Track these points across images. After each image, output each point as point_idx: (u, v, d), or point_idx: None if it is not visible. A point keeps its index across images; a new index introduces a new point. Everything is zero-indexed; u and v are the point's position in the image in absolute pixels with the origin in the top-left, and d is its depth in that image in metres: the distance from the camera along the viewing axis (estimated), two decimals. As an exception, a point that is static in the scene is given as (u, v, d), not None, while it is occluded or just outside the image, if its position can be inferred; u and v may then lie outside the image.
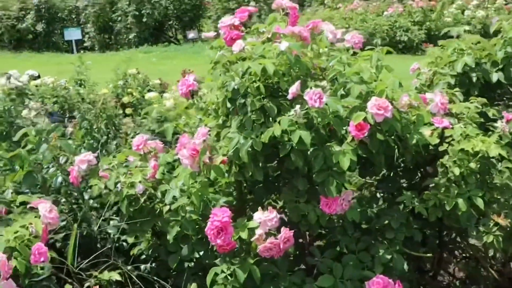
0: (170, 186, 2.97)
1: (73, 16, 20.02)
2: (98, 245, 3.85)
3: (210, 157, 2.80)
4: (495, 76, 3.39)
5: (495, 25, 3.54)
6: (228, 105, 2.86)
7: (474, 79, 3.34)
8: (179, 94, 3.17)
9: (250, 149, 2.68)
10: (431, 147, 3.03)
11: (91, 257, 3.25)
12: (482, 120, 3.11)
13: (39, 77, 8.44)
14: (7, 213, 3.08)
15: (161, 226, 3.07)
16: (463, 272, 3.87)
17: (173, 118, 3.22)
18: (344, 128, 2.68)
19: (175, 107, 4.22)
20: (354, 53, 3.06)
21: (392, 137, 2.80)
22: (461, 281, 3.90)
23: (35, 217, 2.65)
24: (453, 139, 2.97)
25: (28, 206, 2.77)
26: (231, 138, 2.72)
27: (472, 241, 3.30)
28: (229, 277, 2.73)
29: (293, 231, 2.71)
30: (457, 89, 3.27)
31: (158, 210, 3.08)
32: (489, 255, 3.26)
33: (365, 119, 2.63)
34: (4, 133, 3.53)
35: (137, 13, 18.62)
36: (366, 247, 2.98)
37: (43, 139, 3.09)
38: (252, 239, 2.67)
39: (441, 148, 2.96)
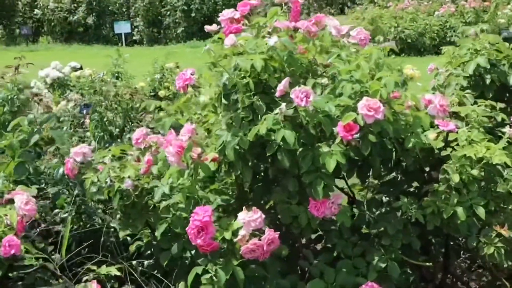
0: (161, 183, 2.91)
1: (123, 10, 20.32)
2: (102, 239, 3.85)
3: (199, 154, 2.73)
4: (512, 79, 3.22)
5: None
6: (224, 101, 2.79)
7: (488, 81, 3.17)
8: (177, 88, 3.11)
9: (238, 147, 2.60)
10: (436, 151, 2.89)
11: (82, 249, 3.23)
12: (491, 125, 2.94)
13: (81, 68, 8.54)
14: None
15: (153, 222, 3.01)
16: (476, 283, 3.70)
17: (172, 113, 3.15)
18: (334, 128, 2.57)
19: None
20: (358, 51, 2.94)
21: (390, 139, 2.68)
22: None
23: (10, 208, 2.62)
24: (457, 144, 2.82)
25: (5, 198, 2.75)
26: (218, 135, 2.64)
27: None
28: (214, 278, 2.66)
29: (278, 233, 2.62)
30: (468, 91, 3.11)
31: (152, 206, 3.04)
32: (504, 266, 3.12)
33: (355, 120, 2.51)
34: (7, 123, 3.54)
35: (186, 7, 18.75)
36: (362, 252, 2.86)
37: (35, 129, 3.06)
38: (235, 240, 2.59)
39: (443, 153, 2.81)
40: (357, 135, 2.55)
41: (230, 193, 3.21)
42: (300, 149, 2.59)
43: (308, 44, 2.91)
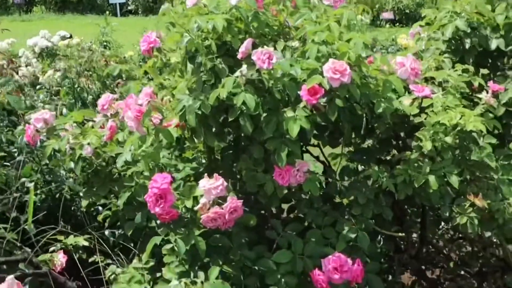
0: (124, 150, 2.80)
1: (118, -21, 20.02)
2: (73, 209, 3.76)
3: (161, 119, 2.62)
4: (494, 43, 3.06)
5: None
6: (189, 64, 2.67)
7: (468, 46, 3.03)
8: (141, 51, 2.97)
9: (199, 112, 2.49)
10: (411, 118, 2.77)
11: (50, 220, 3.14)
12: (468, 91, 2.82)
13: (71, 37, 8.37)
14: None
15: (117, 191, 2.91)
16: (454, 254, 3.61)
17: (138, 78, 3.03)
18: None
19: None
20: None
21: (360, 104, 2.56)
22: (454, 263, 3.65)
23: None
24: (432, 110, 2.70)
25: None
26: (179, 99, 2.52)
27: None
28: (176, 248, 2.57)
29: (241, 201, 2.51)
30: (446, 55, 2.98)
31: (117, 174, 2.93)
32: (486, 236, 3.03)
33: (321, 84, 2.39)
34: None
35: (181, -24, 18.45)
36: (333, 222, 2.76)
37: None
38: (195, 208, 2.49)
39: (417, 120, 2.70)
40: (324, 100, 2.43)
41: (204, 161, 3.11)
42: (264, 115, 2.47)
43: (279, 5, 2.78)
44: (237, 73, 2.38)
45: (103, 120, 3.08)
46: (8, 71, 4.78)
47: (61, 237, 3.13)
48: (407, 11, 15.27)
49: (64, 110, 3.77)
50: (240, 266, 2.63)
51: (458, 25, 2.98)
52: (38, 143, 3.15)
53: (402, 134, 2.98)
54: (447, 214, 2.64)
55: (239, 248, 2.65)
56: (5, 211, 3.25)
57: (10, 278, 2.26)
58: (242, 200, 2.51)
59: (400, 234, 2.85)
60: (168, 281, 2.55)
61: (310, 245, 2.68)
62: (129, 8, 19.48)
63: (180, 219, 2.59)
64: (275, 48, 2.54)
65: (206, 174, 2.51)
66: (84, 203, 2.97)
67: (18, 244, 2.91)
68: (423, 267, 3.52)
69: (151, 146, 2.73)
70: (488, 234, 2.93)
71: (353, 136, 2.88)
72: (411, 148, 2.76)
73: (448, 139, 2.60)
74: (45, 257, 3.00)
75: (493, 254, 3.44)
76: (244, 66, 2.37)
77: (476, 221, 2.59)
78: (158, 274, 2.67)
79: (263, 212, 2.99)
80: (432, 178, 2.58)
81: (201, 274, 2.48)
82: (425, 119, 2.67)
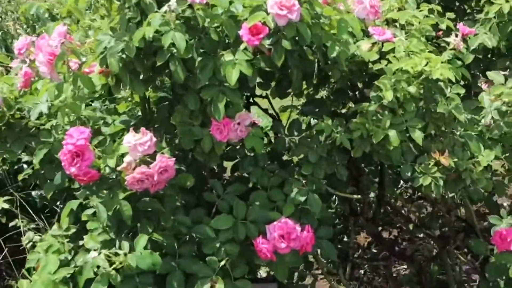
0: (39, 100, 2.41)
1: None
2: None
3: (80, 64, 2.24)
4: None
5: None
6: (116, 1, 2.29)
7: (433, -17, 2.71)
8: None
9: (123, 56, 2.11)
10: (370, 66, 2.44)
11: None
12: (434, 34, 2.50)
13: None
14: None
15: (34, 147, 2.53)
16: (414, 215, 3.36)
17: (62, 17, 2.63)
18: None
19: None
20: None
21: (311, 47, 2.22)
22: (414, 224, 3.39)
23: None
24: (394, 56, 2.37)
25: None
26: (99, 40, 2.13)
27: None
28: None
29: (173, 159, 2.16)
30: (409, -6, 2.64)
31: (35, 128, 2.55)
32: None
33: (265, 22, 2.03)
34: None
35: None
36: (280, 183, 2.44)
37: None
38: (119, 168, 2.13)
39: (376, 66, 2.37)
40: (268, 41, 2.08)
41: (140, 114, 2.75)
42: (199, 59, 2.11)
43: None
44: (165, 8, 2.00)
45: (20, 66, 2.68)
46: None
47: (-22, 199, 2.79)
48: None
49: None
50: (173, 234, 2.30)
51: (422, -42, 2.64)
52: None
53: (359, 84, 2.65)
54: (409, 174, 2.34)
55: (172, 213, 2.32)
56: None
57: None
58: (174, 158, 2.16)
59: (355, 196, 2.54)
60: (90, 251, 2.21)
61: (254, 209, 2.36)
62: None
63: (103, 180, 2.23)
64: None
65: (132, 128, 2.15)
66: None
67: None
68: (380, 228, 3.27)
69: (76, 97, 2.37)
70: (451, 194, 2.66)
71: (304, 86, 2.54)
72: (369, 100, 2.43)
73: (412, 89, 2.28)
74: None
75: (455, 215, 3.19)
76: (173, 0, 1.99)
77: (441, 182, 2.29)
78: (81, 242, 2.33)
79: (204, 172, 2.66)
80: (392, 133, 2.27)
81: (125, 244, 2.15)
82: (386, 65, 2.34)
